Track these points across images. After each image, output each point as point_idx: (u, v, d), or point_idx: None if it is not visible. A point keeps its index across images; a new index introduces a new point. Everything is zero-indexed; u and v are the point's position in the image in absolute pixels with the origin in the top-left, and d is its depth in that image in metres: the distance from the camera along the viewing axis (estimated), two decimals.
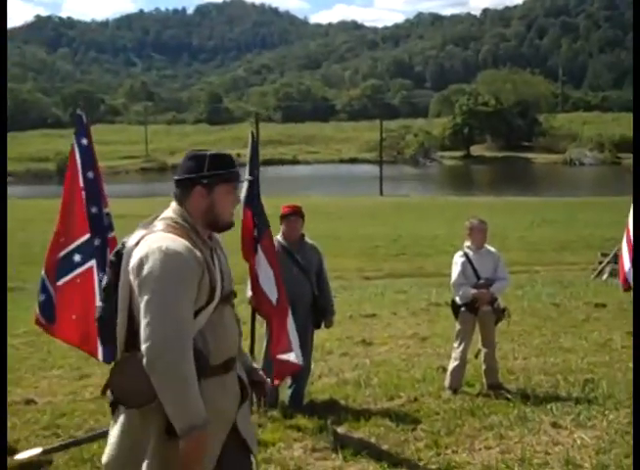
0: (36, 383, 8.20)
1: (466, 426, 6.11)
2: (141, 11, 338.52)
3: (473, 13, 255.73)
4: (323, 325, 7.15)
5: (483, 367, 7.47)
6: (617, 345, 9.26)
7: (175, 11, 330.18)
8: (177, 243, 2.95)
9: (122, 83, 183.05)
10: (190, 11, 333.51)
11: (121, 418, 2.99)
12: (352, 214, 35.53)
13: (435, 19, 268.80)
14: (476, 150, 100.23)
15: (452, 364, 7.45)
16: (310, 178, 69.97)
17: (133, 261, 2.91)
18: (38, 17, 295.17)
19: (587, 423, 5.88)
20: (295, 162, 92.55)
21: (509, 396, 6.98)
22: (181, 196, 3.11)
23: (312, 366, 8.38)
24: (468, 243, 7.58)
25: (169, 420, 2.84)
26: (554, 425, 5.91)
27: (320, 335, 10.37)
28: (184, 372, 2.80)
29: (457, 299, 7.51)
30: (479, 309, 7.39)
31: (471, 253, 7.50)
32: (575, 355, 8.74)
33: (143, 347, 2.79)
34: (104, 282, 3.18)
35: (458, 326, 7.52)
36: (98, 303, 3.31)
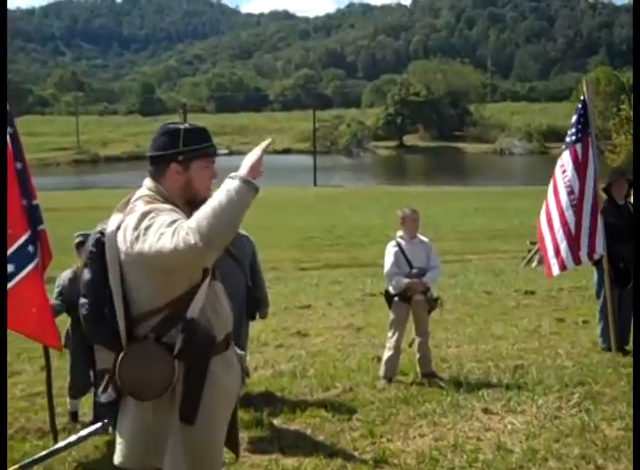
0: None
1: (400, 414, 6.16)
2: None
3: (403, 3, 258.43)
4: (257, 317, 7.10)
5: (417, 356, 7.54)
6: (545, 331, 9.46)
7: None
8: (165, 205, 2.86)
9: (51, 73, 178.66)
10: None
11: (131, 416, 2.90)
12: (287, 205, 35.52)
13: (367, 9, 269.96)
14: (408, 140, 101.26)
15: (386, 354, 7.50)
16: None
17: (129, 235, 2.74)
18: None
19: (517, 408, 5.98)
20: (229, 152, 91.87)
21: (442, 383, 7.07)
22: (156, 173, 3.00)
23: (248, 358, 8.35)
24: (400, 233, 7.63)
25: (181, 408, 2.80)
26: (485, 411, 5.99)
27: (255, 327, 10.35)
28: (205, 221, 2.59)
29: (390, 288, 7.55)
30: (412, 299, 7.45)
31: (403, 242, 7.55)
32: (506, 342, 8.90)
33: (187, 252, 2.56)
34: (85, 276, 2.98)
35: (392, 316, 7.58)
36: (81, 299, 2.99)
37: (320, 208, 34.56)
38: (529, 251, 18.53)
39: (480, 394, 6.53)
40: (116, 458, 2.94)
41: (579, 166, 7.92)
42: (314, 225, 27.31)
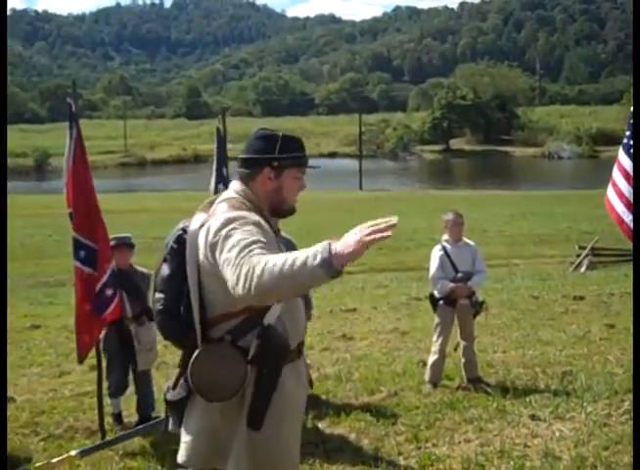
0: (15, 380, 8.14)
1: (446, 420, 6.14)
2: (118, 4, 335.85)
3: (450, 6, 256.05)
4: None
5: (463, 361, 7.49)
6: (595, 337, 9.33)
7: (152, 4, 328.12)
8: (252, 214, 2.86)
9: (100, 78, 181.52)
10: (167, 4, 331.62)
11: (198, 416, 2.92)
12: (332, 209, 35.55)
13: (413, 12, 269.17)
14: (455, 143, 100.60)
15: (432, 358, 7.47)
16: None
17: (210, 237, 2.75)
18: (13, 10, 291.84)
19: (566, 415, 5.92)
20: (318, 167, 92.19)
21: (488, 389, 7.01)
22: (247, 176, 3.00)
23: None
24: (446, 236, 7.60)
25: (249, 413, 2.81)
26: (533, 417, 5.94)
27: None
28: (277, 271, 2.43)
29: (435, 292, 7.53)
30: (457, 303, 7.41)
31: (449, 246, 7.52)
32: (554, 348, 8.79)
33: (237, 288, 2.51)
34: (164, 272, 2.99)
35: (437, 320, 7.55)
36: (157, 294, 3.01)
37: (365, 211, 34.39)
38: (578, 255, 18.28)
39: (528, 400, 6.47)
40: (180, 457, 2.96)
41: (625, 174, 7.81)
42: None
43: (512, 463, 4.94)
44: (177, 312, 2.91)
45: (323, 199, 40.76)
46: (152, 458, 5.45)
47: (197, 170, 64.13)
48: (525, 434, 5.57)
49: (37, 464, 5.12)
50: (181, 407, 2.96)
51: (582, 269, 17.32)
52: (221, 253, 2.65)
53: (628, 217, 7.65)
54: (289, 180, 3.01)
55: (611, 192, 7.84)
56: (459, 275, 7.39)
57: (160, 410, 6.64)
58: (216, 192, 6.43)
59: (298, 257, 2.42)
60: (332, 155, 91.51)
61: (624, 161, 7.82)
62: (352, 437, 5.86)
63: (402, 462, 5.24)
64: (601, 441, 5.18)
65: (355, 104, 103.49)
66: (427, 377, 7.47)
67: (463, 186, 53.67)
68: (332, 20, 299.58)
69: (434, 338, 7.54)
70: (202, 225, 2.86)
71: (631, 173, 7.72)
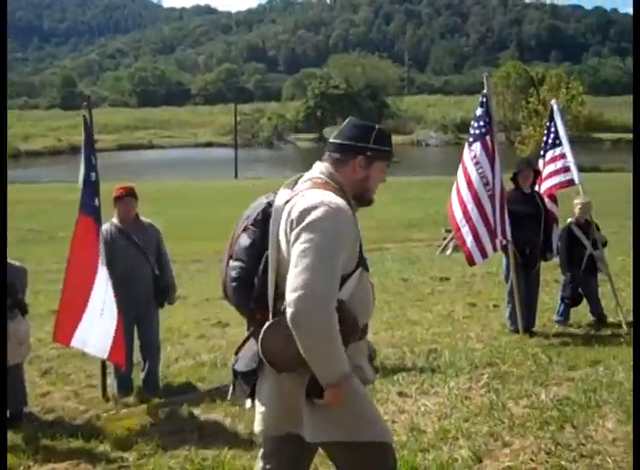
0: None
1: None
2: None
3: None
4: (166, 303, 7.07)
5: None
6: (458, 315, 9.72)
7: None
8: (339, 199, 2.90)
9: None
10: None
11: (270, 385, 2.96)
12: (208, 198, 35.22)
13: (287, 4, 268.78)
14: (328, 132, 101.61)
15: None
16: (166, 162, 68.72)
17: (294, 214, 2.81)
18: None
19: (430, 391, 6.13)
20: (150, 146, 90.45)
21: None
22: (337, 160, 3.05)
23: (169, 349, 8.35)
24: None
25: (310, 383, 2.82)
26: (400, 394, 6.12)
27: (177, 318, 10.35)
28: (331, 326, 2.71)
29: None
30: None
31: None
32: (421, 327, 9.10)
33: (291, 296, 2.68)
34: (244, 241, 3.03)
35: None
36: (234, 262, 3.04)
37: (241, 200, 34.21)
38: (444, 238, 18.89)
39: (396, 378, 6.66)
40: (256, 426, 3.06)
41: (491, 158, 8.19)
42: (235, 217, 27.02)
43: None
44: (251, 282, 2.94)
45: (200, 188, 40.40)
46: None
47: (72, 161, 62.07)
48: (392, 410, 5.74)
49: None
50: (252, 379, 3.02)
51: (448, 252, 17.89)
52: (297, 239, 2.76)
53: (464, 228, 8.08)
54: (376, 171, 3.10)
55: (454, 197, 8.23)
56: None
57: (38, 403, 6.55)
58: (85, 181, 6.32)
59: (336, 346, 2.73)
60: (208, 144, 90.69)
61: (468, 163, 8.23)
62: (227, 422, 5.89)
63: None
64: (462, 413, 5.40)
65: (231, 94, 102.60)
66: None
67: None
68: (208, 10, 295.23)
69: None
70: (287, 201, 2.93)
71: (474, 180, 8.12)
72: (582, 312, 9.01)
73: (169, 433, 5.67)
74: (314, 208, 2.79)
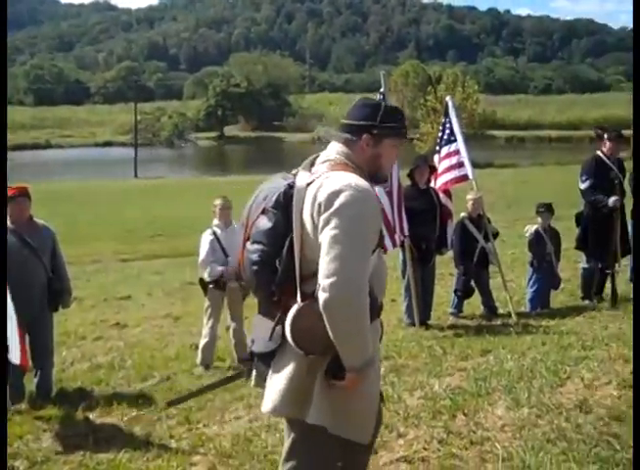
0: None
1: (217, 400, 6.24)
2: None
3: None
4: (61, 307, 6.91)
5: (233, 342, 7.66)
6: None
7: None
8: (362, 181, 2.89)
9: None
10: None
11: (286, 367, 2.94)
12: (108, 198, 34.50)
13: (189, 1, 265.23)
14: (229, 130, 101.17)
15: (203, 341, 7.58)
16: (64, 163, 66.90)
17: (321, 197, 2.79)
18: None
19: None
20: (48, 146, 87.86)
21: None
22: (348, 140, 3.07)
23: (64, 353, 8.16)
24: (216, 221, 7.73)
25: (332, 364, 2.84)
26: None
27: (73, 320, 10.13)
28: (363, 312, 2.75)
29: (205, 276, 7.63)
30: (226, 286, 7.55)
31: (219, 231, 7.66)
32: None
33: (325, 281, 2.69)
34: (264, 224, 2.95)
35: (207, 303, 7.67)
36: (254, 245, 2.97)
37: (141, 199, 33.86)
38: None
39: None
40: (265, 405, 3.05)
41: None
42: (135, 217, 26.73)
43: (278, 435, 5.10)
44: (273, 265, 2.90)
45: (99, 188, 39.53)
46: None
47: None
48: None
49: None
50: (269, 359, 3.01)
51: None
52: (327, 224, 2.76)
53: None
54: (387, 149, 3.08)
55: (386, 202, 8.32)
56: (229, 259, 7.53)
57: None
58: None
59: (365, 331, 2.78)
60: (107, 144, 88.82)
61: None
62: (124, 425, 5.82)
63: (174, 445, 5.25)
64: None
65: (132, 92, 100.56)
66: (199, 360, 7.57)
67: (238, 172, 54.01)
68: (107, 7, 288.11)
69: (205, 321, 7.66)
70: (309, 183, 2.90)
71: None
72: (475, 304, 9.27)
73: (63, 438, 5.56)
74: (341, 191, 2.79)
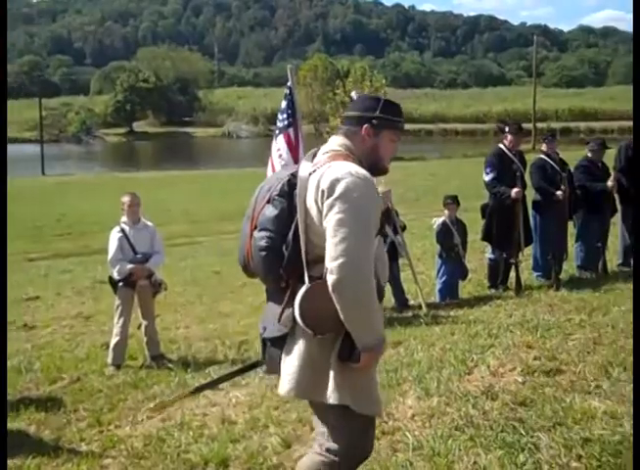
0: None
1: (129, 400, 6.17)
2: None
3: None
4: None
5: (145, 340, 7.57)
6: None
7: None
8: (362, 169, 3.03)
9: None
10: None
11: (298, 350, 3.02)
12: (14, 196, 33.39)
13: None
14: (138, 126, 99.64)
15: (114, 340, 7.46)
16: None
17: (324, 184, 2.92)
18: None
19: (242, 382, 6.17)
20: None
21: (170, 365, 7.15)
22: (349, 132, 3.19)
23: None
24: (124, 218, 7.62)
25: (342, 346, 2.96)
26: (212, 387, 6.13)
27: None
28: (372, 291, 2.88)
29: (115, 274, 7.51)
30: (136, 284, 7.46)
31: (127, 228, 7.55)
32: (233, 319, 9.17)
33: (333, 264, 2.82)
34: (270, 212, 3.07)
35: (117, 301, 7.55)
36: (261, 232, 3.07)
37: (48, 197, 32.96)
38: None
39: (207, 371, 6.70)
40: (281, 388, 3.09)
41: (293, 150, 8.34)
42: (42, 215, 26.01)
43: (191, 433, 5.08)
44: (280, 250, 3.00)
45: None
46: None
47: None
48: (204, 404, 5.73)
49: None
50: (282, 343, 3.08)
51: None
52: (331, 209, 2.88)
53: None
54: (385, 141, 3.20)
55: None
56: (138, 256, 7.44)
57: None
58: None
59: (375, 312, 2.95)
60: (13, 141, 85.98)
61: (274, 155, 8.35)
62: (32, 429, 5.68)
63: (84, 448, 5.15)
64: (272, 402, 5.47)
65: (36, 88, 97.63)
66: (109, 359, 7.44)
67: (147, 168, 53.20)
68: None
69: (116, 320, 7.55)
70: (311, 173, 3.04)
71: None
72: (386, 297, 9.38)
73: None
74: (343, 178, 2.92)
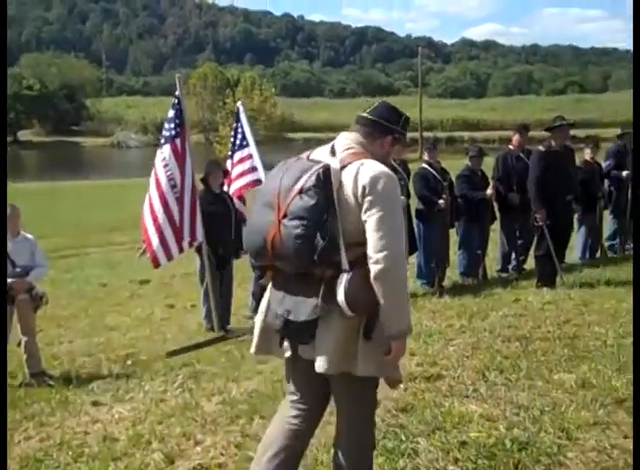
0: None
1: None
2: None
3: None
4: None
5: (25, 356, 7.30)
6: (157, 318, 9.74)
7: None
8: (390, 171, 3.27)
9: None
10: None
11: (333, 330, 3.20)
12: None
13: None
14: (23, 135, 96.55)
15: None
16: None
17: (364, 180, 3.14)
18: None
19: (126, 397, 6.04)
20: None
21: (51, 382, 6.93)
22: (369, 134, 3.39)
23: None
24: None
25: (366, 325, 3.20)
26: (94, 404, 5.93)
27: None
28: (406, 283, 3.20)
29: None
30: (16, 298, 7.19)
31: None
32: (119, 333, 8.97)
33: (379, 255, 3.06)
34: (307, 202, 3.16)
35: None
36: (294, 221, 3.17)
37: None
38: (144, 240, 18.71)
39: (90, 387, 6.52)
40: (319, 367, 3.22)
41: (180, 160, 8.28)
42: None
43: (71, 453, 4.92)
44: (315, 238, 3.12)
45: None
46: None
47: None
48: (85, 421, 5.55)
49: None
50: (313, 326, 3.24)
51: (147, 255, 17.76)
52: (373, 205, 3.11)
53: (151, 230, 8.18)
54: (394, 152, 3.53)
55: (146, 200, 8.26)
56: (17, 270, 7.19)
57: None
58: None
59: (407, 301, 3.23)
60: None
61: (158, 165, 8.29)
62: None
63: None
64: (156, 416, 5.36)
65: None
66: None
67: (33, 178, 51.54)
68: None
69: None
70: (343, 166, 3.23)
71: (162, 183, 8.21)
72: None
73: None
74: (380, 177, 3.16)
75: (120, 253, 19.47)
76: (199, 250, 8.47)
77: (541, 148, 8.97)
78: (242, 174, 9.26)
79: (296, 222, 3.19)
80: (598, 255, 11.16)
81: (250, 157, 9.28)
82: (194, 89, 73.77)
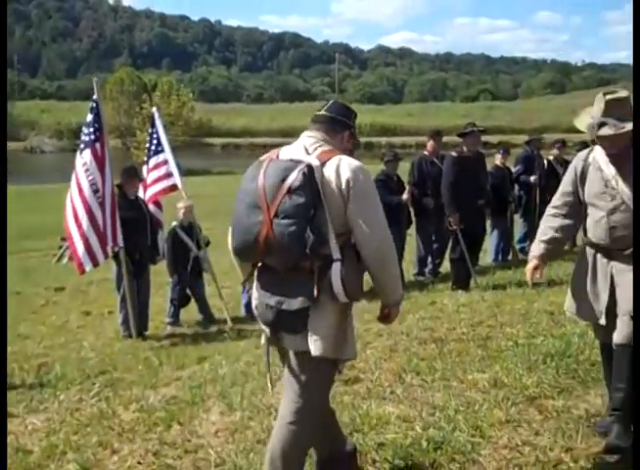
0: None
1: None
2: None
3: None
4: None
5: None
6: (72, 325, 9.56)
7: None
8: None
9: None
10: None
11: (327, 315, 3.38)
12: None
13: None
14: None
15: None
16: None
17: (347, 174, 3.32)
18: None
19: (39, 407, 5.91)
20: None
21: None
22: (333, 131, 3.57)
23: None
24: None
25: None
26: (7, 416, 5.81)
27: None
28: (396, 260, 3.46)
29: None
30: None
31: None
32: (32, 341, 8.77)
33: (370, 239, 3.32)
34: (296, 200, 3.27)
35: None
36: (284, 220, 3.30)
37: None
38: (60, 247, 18.34)
39: None
40: (315, 351, 3.36)
41: (101, 165, 8.20)
42: None
43: None
44: (305, 234, 3.26)
45: None
46: None
47: None
48: None
49: None
50: (305, 314, 3.38)
51: (64, 261, 17.37)
52: (358, 196, 3.32)
53: (76, 236, 8.07)
54: (348, 145, 3.65)
55: (68, 205, 8.13)
56: None
57: None
58: None
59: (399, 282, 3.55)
60: None
61: (79, 170, 8.18)
62: None
63: None
64: (72, 426, 5.25)
65: None
66: None
67: None
68: None
69: None
70: (323, 163, 3.35)
71: (84, 187, 8.11)
72: (191, 312, 9.36)
73: None
74: (359, 170, 3.36)
75: (35, 259, 19.02)
76: (115, 256, 8.37)
77: (453, 153, 9.17)
78: (157, 180, 9.20)
79: (288, 221, 3.33)
80: (510, 257, 11.46)
81: (165, 162, 9.23)
82: (110, 94, 72.51)
